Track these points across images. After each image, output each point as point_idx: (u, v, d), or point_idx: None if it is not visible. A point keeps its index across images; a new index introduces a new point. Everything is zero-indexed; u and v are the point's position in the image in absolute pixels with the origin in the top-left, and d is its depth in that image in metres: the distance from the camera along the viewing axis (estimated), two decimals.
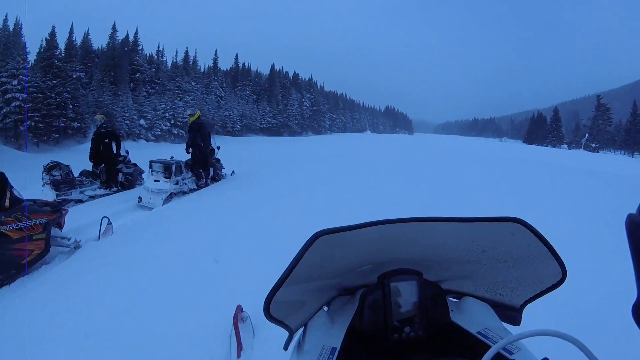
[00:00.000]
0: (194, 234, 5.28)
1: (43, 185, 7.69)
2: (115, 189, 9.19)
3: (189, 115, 9.47)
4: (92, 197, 8.44)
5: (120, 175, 9.54)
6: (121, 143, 9.68)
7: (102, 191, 8.84)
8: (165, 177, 7.92)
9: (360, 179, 9.03)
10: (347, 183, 8.22)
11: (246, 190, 8.48)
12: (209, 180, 9.50)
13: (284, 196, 7.38)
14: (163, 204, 7.57)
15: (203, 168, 9.24)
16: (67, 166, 8.20)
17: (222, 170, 10.82)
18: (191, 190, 8.90)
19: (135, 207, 7.37)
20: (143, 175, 9.86)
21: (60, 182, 7.81)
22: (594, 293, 3.11)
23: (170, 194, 8.04)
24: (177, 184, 8.27)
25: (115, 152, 9.38)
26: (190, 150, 9.13)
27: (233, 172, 11.27)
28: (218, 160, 10.54)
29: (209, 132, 9.77)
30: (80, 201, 8.11)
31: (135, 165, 10.26)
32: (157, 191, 7.78)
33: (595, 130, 62.31)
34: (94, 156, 9.24)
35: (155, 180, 7.89)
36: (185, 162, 8.95)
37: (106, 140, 9.23)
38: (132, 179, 9.85)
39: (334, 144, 32.71)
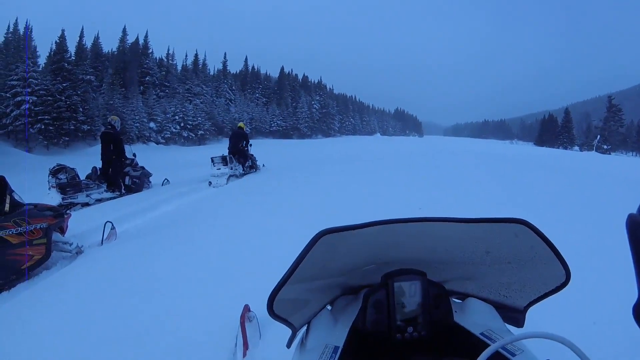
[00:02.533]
0: (206, 234, 5.23)
1: (49, 189, 7.73)
2: (119, 192, 9.18)
3: (238, 127, 13.65)
4: (99, 201, 8.47)
5: (127, 178, 9.66)
6: (123, 146, 9.74)
7: (109, 194, 8.88)
8: (223, 165, 11.04)
9: (376, 180, 9.12)
10: (364, 185, 8.36)
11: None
12: (246, 168, 12.83)
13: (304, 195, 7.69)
14: (227, 183, 10.46)
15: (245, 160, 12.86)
16: (73, 169, 8.24)
17: (256, 162, 13.80)
18: (240, 175, 12.03)
19: (139, 211, 7.20)
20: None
21: (66, 185, 7.87)
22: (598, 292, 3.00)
23: (229, 176, 10.96)
24: (231, 169, 11.30)
25: (116, 155, 9.32)
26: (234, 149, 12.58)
27: (263, 165, 14.07)
28: (252, 155, 13.47)
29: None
30: (87, 204, 8.10)
31: (142, 168, 10.47)
32: (221, 175, 10.75)
33: (607, 131, 61.61)
34: (101, 157, 9.27)
35: (217, 169, 10.92)
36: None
37: (107, 142, 9.24)
38: (140, 182, 10.02)
39: (346, 147, 32.68)
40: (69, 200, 7.81)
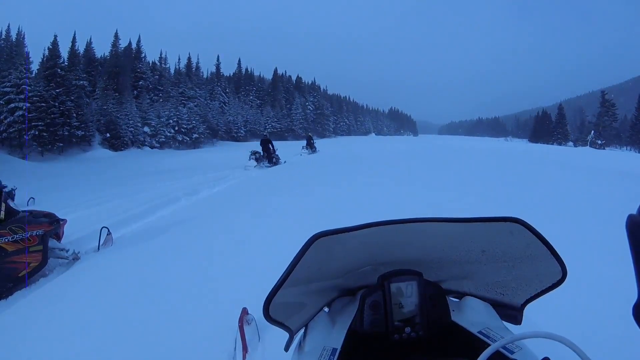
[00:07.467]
0: (207, 235, 5.27)
1: (249, 160, 16.62)
2: (272, 164, 17.54)
3: (309, 135, 28.50)
4: (268, 167, 16.93)
5: (274, 158, 18.02)
6: (274, 144, 18.42)
7: (269, 165, 17.33)
8: (306, 149, 25.27)
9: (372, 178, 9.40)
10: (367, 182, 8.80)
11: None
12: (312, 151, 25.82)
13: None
14: (309, 154, 24.13)
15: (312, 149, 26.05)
16: (259, 152, 17.22)
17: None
18: (309, 154, 24.50)
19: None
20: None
21: (258, 159, 16.88)
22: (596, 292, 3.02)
23: (308, 153, 24.48)
24: (307, 150, 25.21)
25: (272, 149, 17.99)
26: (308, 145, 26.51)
27: (319, 150, 26.37)
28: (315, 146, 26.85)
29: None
30: (261, 167, 16.57)
31: (277, 155, 18.44)
32: (304, 152, 24.44)
33: (601, 126, 61.64)
34: (263, 150, 17.71)
35: (304, 150, 24.81)
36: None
37: (268, 144, 17.88)
38: (277, 162, 18.19)
39: (345, 147, 32.78)
40: (259, 165, 16.57)
